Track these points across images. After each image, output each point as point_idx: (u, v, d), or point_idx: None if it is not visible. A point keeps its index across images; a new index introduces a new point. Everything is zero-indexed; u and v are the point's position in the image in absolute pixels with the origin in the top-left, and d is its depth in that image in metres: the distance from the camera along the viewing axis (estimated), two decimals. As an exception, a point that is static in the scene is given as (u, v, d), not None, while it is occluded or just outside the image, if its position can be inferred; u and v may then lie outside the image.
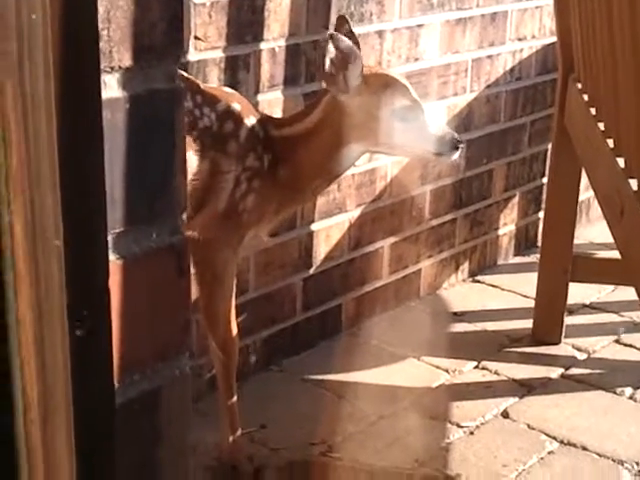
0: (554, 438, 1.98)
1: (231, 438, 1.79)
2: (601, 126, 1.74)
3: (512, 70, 2.62)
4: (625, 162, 1.49)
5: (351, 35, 1.64)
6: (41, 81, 0.42)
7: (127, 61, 0.65)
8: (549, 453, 1.93)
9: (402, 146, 1.66)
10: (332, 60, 1.57)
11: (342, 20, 1.68)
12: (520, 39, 2.62)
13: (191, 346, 0.78)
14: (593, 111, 1.82)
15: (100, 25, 0.60)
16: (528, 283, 2.64)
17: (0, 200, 0.37)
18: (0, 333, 0.40)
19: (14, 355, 0.40)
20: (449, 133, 1.64)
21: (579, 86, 2.03)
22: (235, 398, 1.78)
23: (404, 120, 1.62)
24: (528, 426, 2.02)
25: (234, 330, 1.72)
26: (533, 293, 2.48)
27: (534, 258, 2.84)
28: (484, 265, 2.74)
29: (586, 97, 1.93)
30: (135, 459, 0.73)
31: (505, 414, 2.06)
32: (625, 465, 1.89)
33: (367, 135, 1.64)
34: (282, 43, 2.00)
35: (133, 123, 0.67)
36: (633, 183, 1.43)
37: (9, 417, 0.41)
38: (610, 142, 1.62)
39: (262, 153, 1.65)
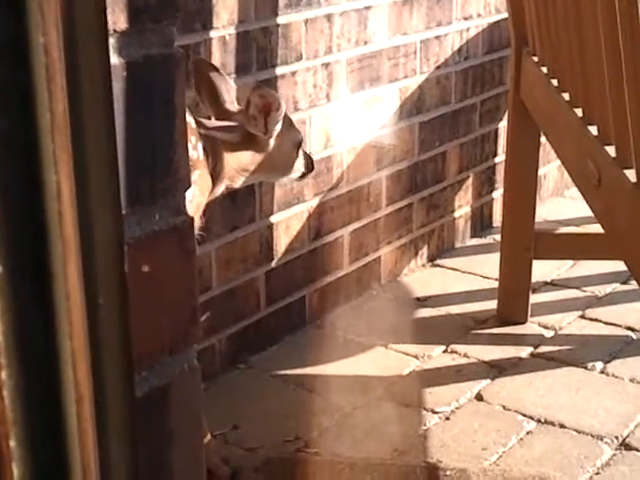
0: (531, 418, 1.95)
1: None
2: (565, 96, 1.71)
3: (460, 50, 2.59)
4: (598, 129, 1.46)
5: None
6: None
7: (122, 24, 0.59)
8: (528, 433, 1.90)
9: (286, 176, 1.77)
10: (256, 106, 1.61)
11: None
12: (466, 18, 2.59)
13: (199, 336, 0.72)
14: (555, 82, 1.79)
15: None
16: (487, 264, 2.62)
17: (45, 155, 0.32)
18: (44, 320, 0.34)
19: (63, 340, 0.34)
20: (309, 157, 1.80)
21: (535, 59, 2.00)
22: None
23: (296, 153, 1.74)
24: (503, 407, 1.99)
25: None
26: (494, 274, 2.46)
27: (491, 239, 2.83)
28: (442, 249, 2.71)
29: (544, 69, 1.91)
30: (146, 460, 0.67)
31: (479, 397, 2.03)
32: (604, 440, 1.87)
33: (276, 167, 1.73)
34: (232, 31, 1.94)
35: (131, 93, 0.61)
36: (609, 150, 1.40)
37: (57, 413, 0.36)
38: (578, 111, 1.59)
39: (196, 142, 1.59)
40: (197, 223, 1.62)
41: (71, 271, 0.35)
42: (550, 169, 3.06)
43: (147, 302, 0.65)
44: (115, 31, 0.58)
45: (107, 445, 0.43)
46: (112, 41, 0.58)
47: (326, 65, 2.19)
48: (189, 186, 0.66)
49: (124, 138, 0.60)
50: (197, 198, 1.58)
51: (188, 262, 0.68)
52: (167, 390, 0.68)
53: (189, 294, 0.69)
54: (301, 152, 1.76)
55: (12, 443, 0.34)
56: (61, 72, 0.33)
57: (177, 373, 0.69)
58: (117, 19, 0.58)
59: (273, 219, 2.15)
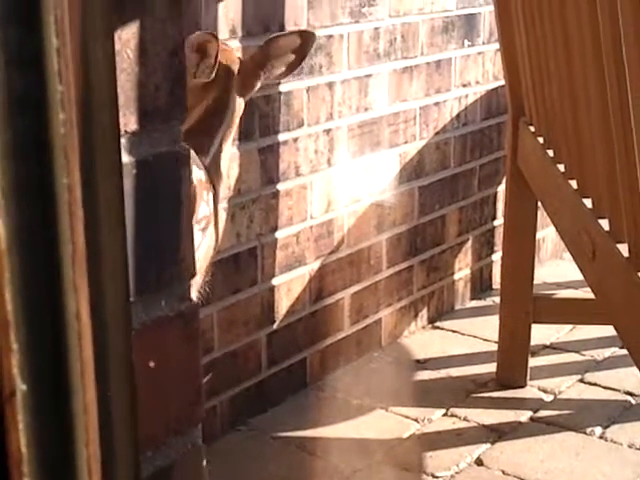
0: (530, 483, 1.96)
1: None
2: (560, 167, 1.74)
3: (458, 116, 2.64)
4: (593, 203, 1.49)
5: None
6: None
7: (133, 125, 0.63)
8: (527, 498, 1.92)
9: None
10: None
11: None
12: (465, 85, 2.64)
13: (203, 416, 0.75)
14: (551, 153, 1.83)
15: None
16: (487, 327, 2.64)
17: (66, 283, 0.35)
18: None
19: (80, 447, 0.37)
20: None
21: (532, 129, 2.04)
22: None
23: None
24: (503, 472, 2.00)
25: None
26: (493, 336, 2.48)
27: (490, 301, 2.85)
28: (442, 311, 2.74)
29: (541, 140, 1.95)
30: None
31: (479, 461, 2.04)
32: (603, 505, 1.88)
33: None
34: (235, 99, 1.98)
35: (140, 189, 0.64)
36: (603, 223, 1.43)
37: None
38: (573, 183, 1.63)
39: (208, 197, 1.58)
40: (205, 277, 1.63)
41: (89, 386, 0.38)
42: (549, 232, 3.10)
43: (153, 386, 0.68)
44: (126, 132, 0.62)
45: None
46: (123, 141, 0.62)
47: (327, 131, 2.24)
48: (195, 274, 0.69)
49: (133, 232, 0.63)
50: (208, 251, 1.60)
51: (192, 345, 0.71)
52: (171, 470, 0.71)
53: (193, 376, 0.71)
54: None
55: None
56: (81, 205, 0.36)
57: (181, 453, 0.71)
58: (128, 121, 0.62)
59: (275, 282, 2.18)
